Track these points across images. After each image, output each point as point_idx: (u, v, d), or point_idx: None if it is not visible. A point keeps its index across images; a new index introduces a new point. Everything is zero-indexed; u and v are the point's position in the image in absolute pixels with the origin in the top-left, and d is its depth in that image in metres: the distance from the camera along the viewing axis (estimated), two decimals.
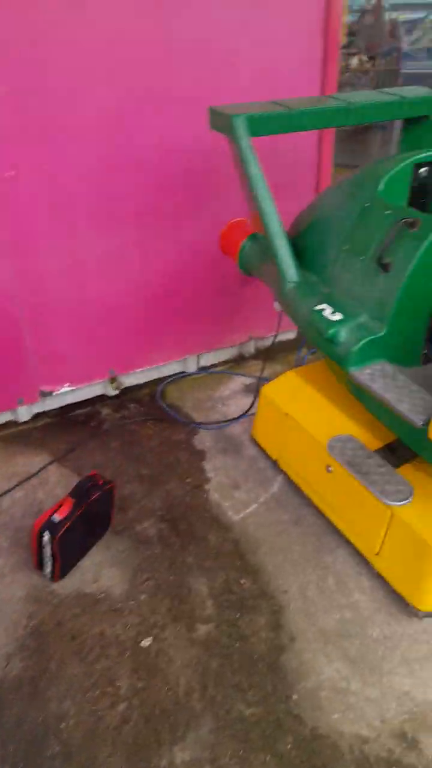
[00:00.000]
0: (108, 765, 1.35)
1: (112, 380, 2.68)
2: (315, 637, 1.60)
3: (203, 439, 2.39)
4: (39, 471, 2.28)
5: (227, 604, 1.70)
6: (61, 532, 1.73)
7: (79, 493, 1.80)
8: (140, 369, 2.72)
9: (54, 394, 2.57)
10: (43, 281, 2.31)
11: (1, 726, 1.42)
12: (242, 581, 1.76)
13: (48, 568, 1.78)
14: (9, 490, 2.17)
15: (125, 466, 2.28)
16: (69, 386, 2.60)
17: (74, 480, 1.95)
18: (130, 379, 2.74)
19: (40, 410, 2.60)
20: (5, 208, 2.09)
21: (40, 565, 1.80)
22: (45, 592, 1.77)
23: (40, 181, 2.11)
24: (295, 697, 1.46)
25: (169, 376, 2.79)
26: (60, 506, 1.77)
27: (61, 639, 1.63)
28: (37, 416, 2.57)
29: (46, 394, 2.56)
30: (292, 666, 1.53)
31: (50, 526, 1.74)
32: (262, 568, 1.81)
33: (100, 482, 1.88)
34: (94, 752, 1.38)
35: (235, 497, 2.07)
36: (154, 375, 2.77)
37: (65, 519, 1.74)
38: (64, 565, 1.79)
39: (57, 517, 1.75)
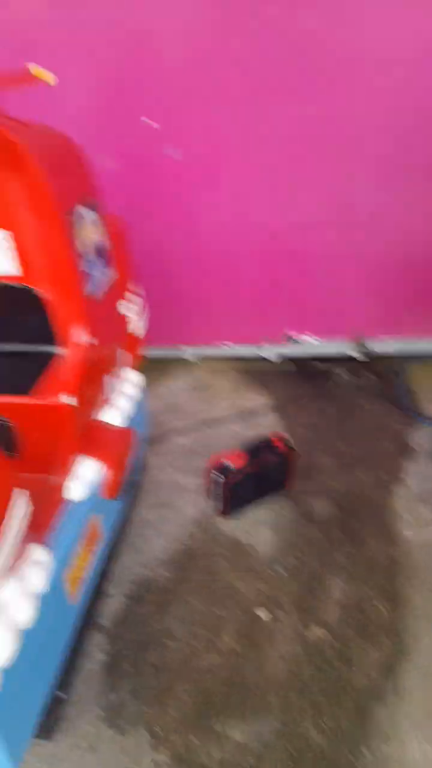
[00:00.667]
0: (179, 699, 1.48)
1: (358, 342, 2.53)
2: (420, 705, 1.37)
3: (421, 437, 2.11)
4: (260, 411, 2.38)
5: (351, 621, 1.57)
6: (231, 480, 1.81)
7: (252, 451, 1.84)
8: (389, 338, 2.49)
9: (298, 341, 2.58)
10: (308, 229, 2.26)
11: (130, 617, 1.67)
12: (378, 605, 1.59)
13: (215, 503, 1.92)
14: (227, 420, 2.34)
15: (331, 435, 2.19)
16: (313, 337, 2.57)
17: (283, 430, 1.97)
18: (382, 347, 2.54)
19: (288, 354, 2.64)
20: (282, 152, 2.07)
21: (210, 498, 1.95)
22: (210, 521, 1.91)
23: (328, 127, 2.00)
24: (366, 753, 1.31)
25: (424, 356, 2.48)
26: (236, 456, 1.85)
27: (201, 570, 1.77)
28: (283, 360, 2.63)
29: (290, 339, 2.58)
30: (381, 721, 1.36)
31: (223, 470, 1.83)
32: (405, 601, 1.59)
33: (281, 447, 1.88)
34: (173, 683, 1.51)
35: (417, 511, 1.82)
36: (407, 348, 2.50)
37: (237, 471, 1.81)
38: (229, 507, 1.89)
39: (230, 465, 1.83)
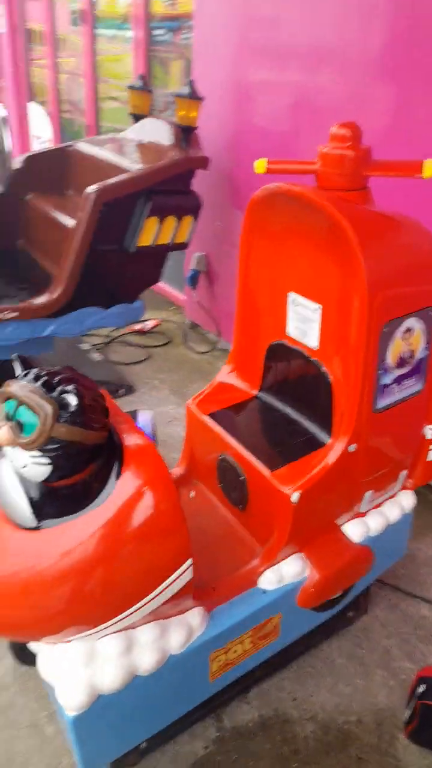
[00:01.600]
0: None
1: None
2: None
3: None
4: None
5: None
6: (429, 701, 1.40)
7: None
8: None
9: None
10: None
11: (249, 740, 1.50)
12: None
13: (405, 716, 1.52)
14: None
15: None
16: None
17: None
18: None
19: None
20: None
21: (407, 704, 1.55)
22: (392, 729, 1.54)
23: None
24: None
25: None
26: None
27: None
28: None
29: None
30: None
31: (429, 684, 1.43)
32: None
33: None
34: None
35: None
36: None
37: None
38: (418, 734, 1.48)
39: None
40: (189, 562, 1.15)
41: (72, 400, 0.99)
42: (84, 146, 3.01)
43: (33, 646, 1.21)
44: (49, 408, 0.97)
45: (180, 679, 1.30)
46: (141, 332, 3.73)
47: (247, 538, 1.54)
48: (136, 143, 2.85)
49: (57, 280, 2.50)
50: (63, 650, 1.16)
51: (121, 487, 1.07)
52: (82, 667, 1.15)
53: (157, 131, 2.76)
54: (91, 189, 2.37)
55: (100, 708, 1.18)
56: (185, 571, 1.15)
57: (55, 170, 3.07)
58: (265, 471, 1.42)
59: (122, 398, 2.94)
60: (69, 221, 2.57)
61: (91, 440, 1.03)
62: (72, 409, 0.99)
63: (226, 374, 1.77)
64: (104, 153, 2.80)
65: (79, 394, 1.00)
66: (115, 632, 1.15)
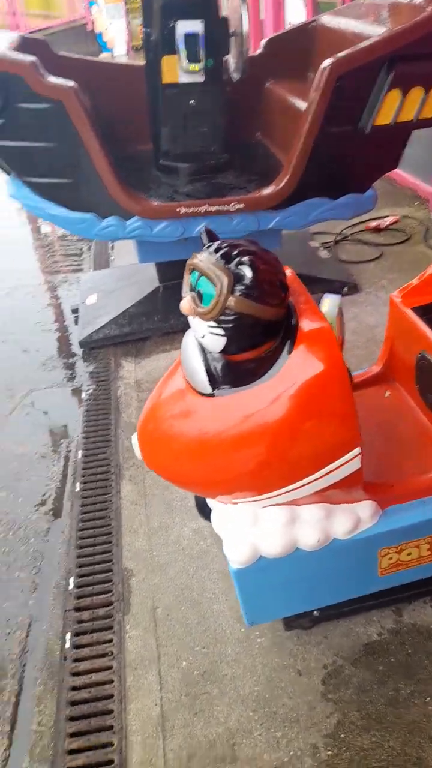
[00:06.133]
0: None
1: None
2: None
3: None
4: None
5: None
6: None
7: None
8: None
9: None
10: None
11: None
12: None
13: None
14: None
15: None
16: None
17: None
18: None
19: None
20: None
21: None
22: None
23: None
24: None
25: None
26: None
27: None
28: None
29: None
30: None
31: None
32: None
33: None
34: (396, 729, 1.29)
35: None
36: None
37: None
38: None
39: None
40: (356, 450, 1.10)
41: (247, 272, 0.97)
42: (327, 19, 2.74)
43: (210, 502, 1.33)
44: (225, 279, 0.97)
45: (345, 565, 1.29)
46: (377, 230, 3.47)
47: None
48: (388, 4, 2.47)
49: (284, 169, 2.42)
50: (232, 509, 1.24)
51: (289, 366, 1.05)
52: (247, 527, 1.21)
53: None
54: (325, 63, 2.17)
55: (262, 569, 1.24)
56: (352, 459, 1.11)
57: (297, 52, 2.87)
58: None
59: (346, 297, 2.82)
60: (303, 104, 2.42)
61: (265, 315, 1.01)
62: (246, 281, 0.97)
63: None
64: (348, 23, 2.51)
65: (254, 267, 0.97)
66: (279, 504, 1.19)
